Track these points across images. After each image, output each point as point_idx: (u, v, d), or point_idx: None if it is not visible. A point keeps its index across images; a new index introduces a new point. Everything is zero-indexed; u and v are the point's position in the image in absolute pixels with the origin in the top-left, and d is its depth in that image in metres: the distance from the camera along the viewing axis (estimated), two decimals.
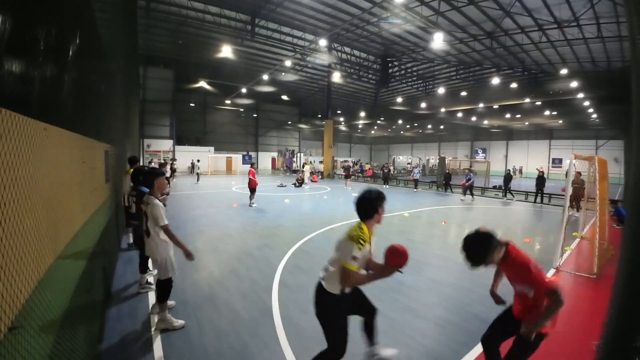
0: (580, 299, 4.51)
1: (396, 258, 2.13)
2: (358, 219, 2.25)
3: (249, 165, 12.17)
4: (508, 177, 15.64)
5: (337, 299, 2.19)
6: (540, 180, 14.13)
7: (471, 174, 15.37)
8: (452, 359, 2.94)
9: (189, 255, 3.25)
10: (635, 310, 1.05)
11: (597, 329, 1.70)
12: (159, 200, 3.29)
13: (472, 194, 15.66)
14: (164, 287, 3.31)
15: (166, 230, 3.20)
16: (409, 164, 41.38)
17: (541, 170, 14.80)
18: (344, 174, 24.50)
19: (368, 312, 2.52)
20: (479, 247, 2.06)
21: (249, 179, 11.31)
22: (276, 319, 3.57)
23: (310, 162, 29.97)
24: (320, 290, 2.24)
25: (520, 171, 39.38)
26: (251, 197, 11.47)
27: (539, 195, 14.41)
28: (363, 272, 2.28)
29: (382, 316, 3.69)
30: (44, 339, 1.47)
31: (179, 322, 3.32)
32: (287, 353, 2.94)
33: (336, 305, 2.21)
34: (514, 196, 15.82)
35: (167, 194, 4.37)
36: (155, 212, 3.16)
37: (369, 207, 2.21)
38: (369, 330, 2.56)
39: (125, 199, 5.62)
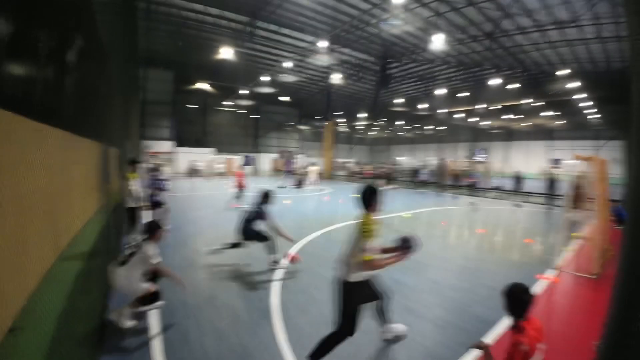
0: (580, 299, 4.51)
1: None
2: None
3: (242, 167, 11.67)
4: (517, 178, 15.11)
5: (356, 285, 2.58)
6: (551, 181, 13.63)
7: (477, 174, 15.55)
8: (452, 359, 2.93)
9: None
10: (635, 311, 1.05)
11: (597, 329, 1.70)
12: None
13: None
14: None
15: None
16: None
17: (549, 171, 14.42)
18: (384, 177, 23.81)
19: (381, 297, 2.97)
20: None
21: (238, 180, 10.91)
22: (276, 320, 3.56)
23: (315, 164, 29.78)
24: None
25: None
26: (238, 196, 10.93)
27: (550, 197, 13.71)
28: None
29: None
30: (43, 340, 1.47)
31: (131, 322, 3.28)
32: (287, 354, 2.93)
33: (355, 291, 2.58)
34: (527, 197, 15.55)
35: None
36: None
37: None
38: (381, 312, 3.05)
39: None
